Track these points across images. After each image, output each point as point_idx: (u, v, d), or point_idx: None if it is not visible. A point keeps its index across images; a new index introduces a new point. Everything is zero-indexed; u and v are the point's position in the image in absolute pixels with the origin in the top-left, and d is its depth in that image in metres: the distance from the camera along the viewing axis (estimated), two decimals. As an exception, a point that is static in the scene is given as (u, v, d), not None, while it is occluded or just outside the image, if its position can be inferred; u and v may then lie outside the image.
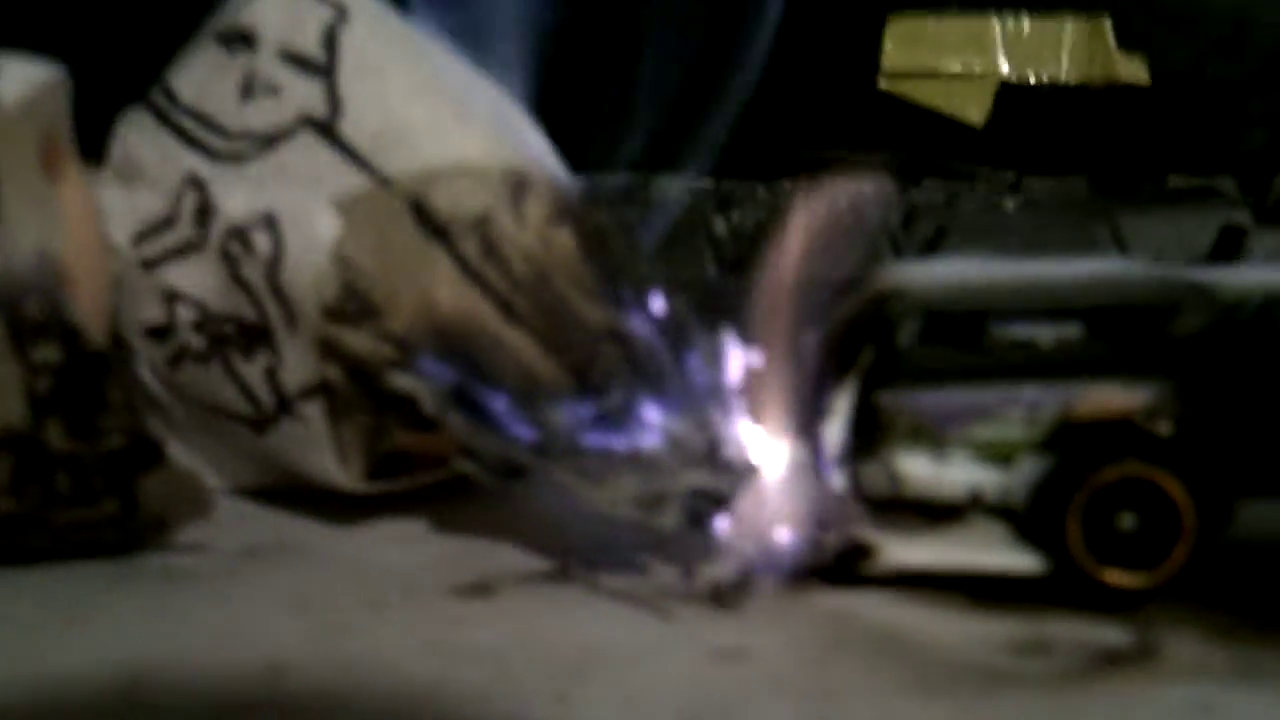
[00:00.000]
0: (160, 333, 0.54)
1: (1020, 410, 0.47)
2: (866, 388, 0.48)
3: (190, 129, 0.54)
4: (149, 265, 0.53)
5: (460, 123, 0.52)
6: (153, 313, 0.53)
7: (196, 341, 0.53)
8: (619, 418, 0.48)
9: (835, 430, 0.48)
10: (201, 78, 0.55)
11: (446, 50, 0.58)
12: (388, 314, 0.51)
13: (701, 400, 0.49)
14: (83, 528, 0.47)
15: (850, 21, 1.01)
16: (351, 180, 0.51)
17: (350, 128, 0.52)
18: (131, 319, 0.54)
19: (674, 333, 0.51)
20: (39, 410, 0.46)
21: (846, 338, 0.50)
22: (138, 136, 0.55)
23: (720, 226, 0.71)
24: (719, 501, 0.46)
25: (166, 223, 0.54)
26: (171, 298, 0.53)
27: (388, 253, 0.51)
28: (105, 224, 0.53)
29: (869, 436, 0.48)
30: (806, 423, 0.49)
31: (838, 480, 0.47)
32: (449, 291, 0.51)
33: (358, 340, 0.51)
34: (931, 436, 0.47)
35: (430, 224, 0.51)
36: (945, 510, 0.47)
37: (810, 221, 0.55)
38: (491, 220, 0.51)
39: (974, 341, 0.49)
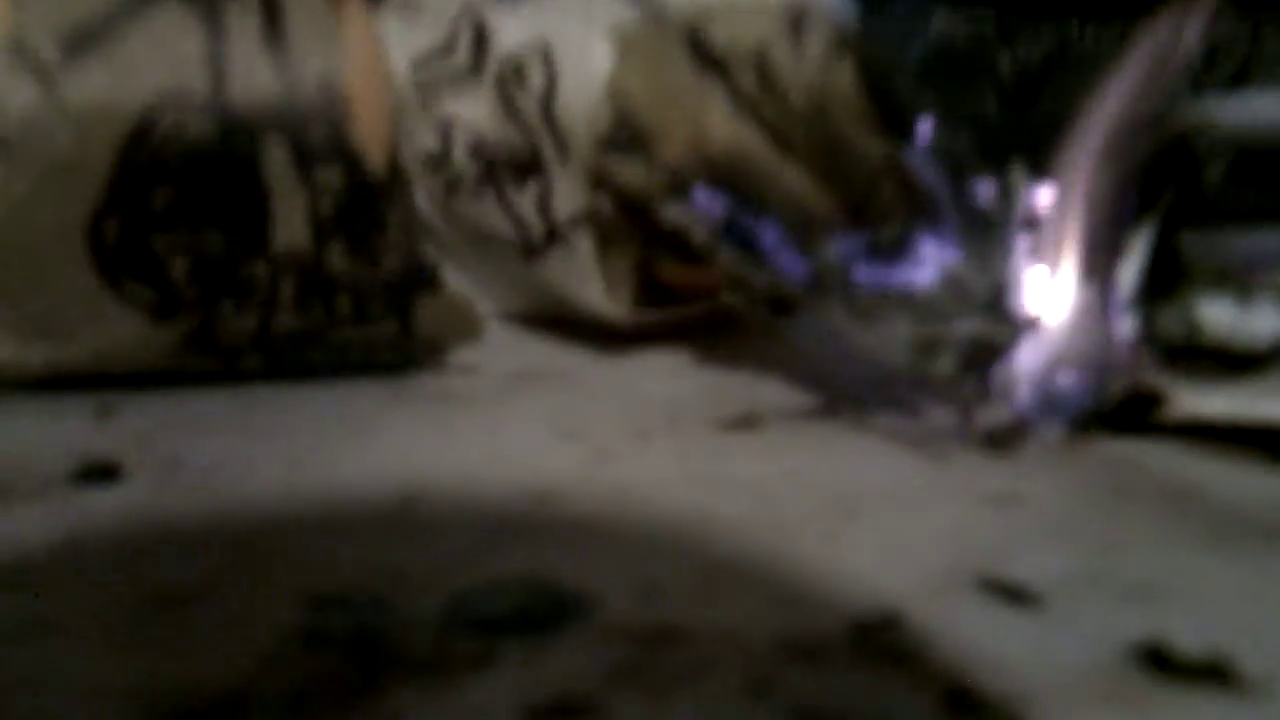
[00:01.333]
0: (437, 160, 0.54)
1: (1337, 257, 0.42)
2: (1168, 228, 0.44)
3: (469, -39, 0.53)
4: (426, 94, 0.53)
5: (739, -48, 0.50)
6: (429, 141, 0.53)
7: (471, 169, 0.53)
8: (895, 253, 0.45)
9: (1130, 272, 0.45)
10: (481, -88, 0.54)
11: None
12: (660, 145, 0.49)
13: (984, 240, 0.46)
14: (361, 346, 0.48)
15: None
16: (627, 13, 0.50)
17: (628, -44, 0.50)
18: (410, 147, 0.54)
19: (955, 170, 0.47)
20: (321, 232, 0.46)
21: (1148, 176, 0.46)
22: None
23: (1005, 63, 0.67)
24: (998, 350, 0.43)
25: (444, 52, 0.53)
26: (447, 126, 0.53)
27: (662, 85, 0.49)
28: (386, 53, 0.53)
29: (1169, 280, 0.44)
30: (1100, 263, 0.46)
31: (1130, 324, 0.44)
32: (723, 124, 0.49)
33: (629, 171, 0.49)
34: (1236, 281, 0.43)
35: (706, 56, 0.49)
36: (1246, 360, 0.43)
37: (1124, 58, 0.51)
38: (768, 53, 0.49)
39: (1282, 181, 0.44)
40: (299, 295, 0.47)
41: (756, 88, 0.49)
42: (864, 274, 0.45)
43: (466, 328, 0.49)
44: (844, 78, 0.49)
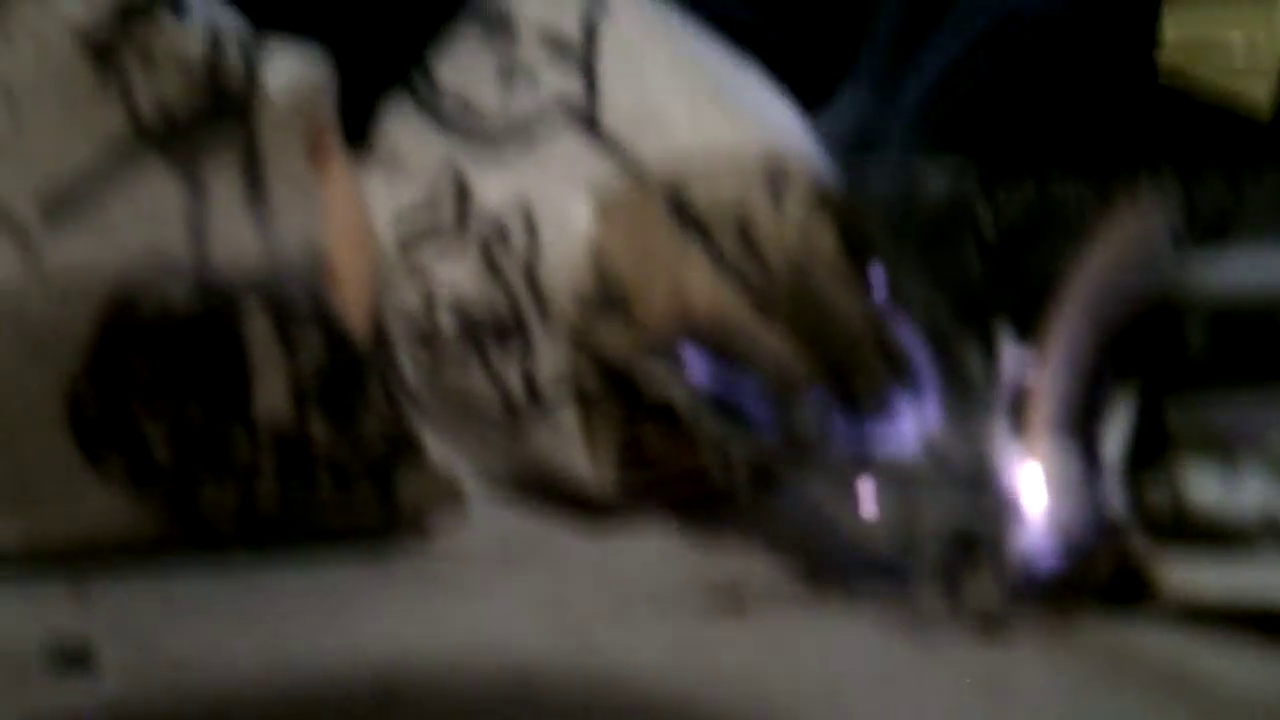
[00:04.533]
0: (420, 321, 0.54)
1: (1323, 423, 0.43)
2: (1151, 395, 0.45)
3: (451, 115, 0.53)
4: (408, 253, 0.53)
5: (718, 109, 0.51)
6: (413, 301, 0.53)
7: (454, 330, 0.53)
8: (874, 415, 0.45)
9: (1115, 441, 0.45)
10: (462, 64, 0.54)
11: (705, 37, 0.56)
12: (641, 309, 0.49)
13: (965, 405, 0.46)
14: (342, 516, 0.47)
15: (1129, 13, 0.96)
16: (607, 168, 0.50)
17: (607, 114, 0.51)
18: (391, 307, 0.54)
19: (935, 332, 0.48)
20: (303, 400, 0.46)
21: (1129, 341, 0.46)
22: (401, 124, 0.55)
23: (987, 221, 0.68)
24: (983, 534, 0.43)
25: (426, 210, 0.54)
26: (430, 287, 0.53)
27: (643, 247, 0.50)
28: (369, 212, 0.53)
29: (1153, 448, 0.44)
30: (1083, 432, 0.46)
31: (1115, 496, 0.44)
32: (704, 286, 0.49)
33: (611, 335, 0.50)
34: (1222, 450, 0.44)
35: (687, 218, 0.50)
36: (1235, 531, 0.43)
37: (1102, 225, 0.52)
38: (749, 214, 0.49)
39: (1270, 346, 0.44)
40: (279, 464, 0.47)
41: (737, 249, 0.49)
42: (842, 436, 0.46)
43: (449, 496, 0.49)
44: (824, 238, 0.49)
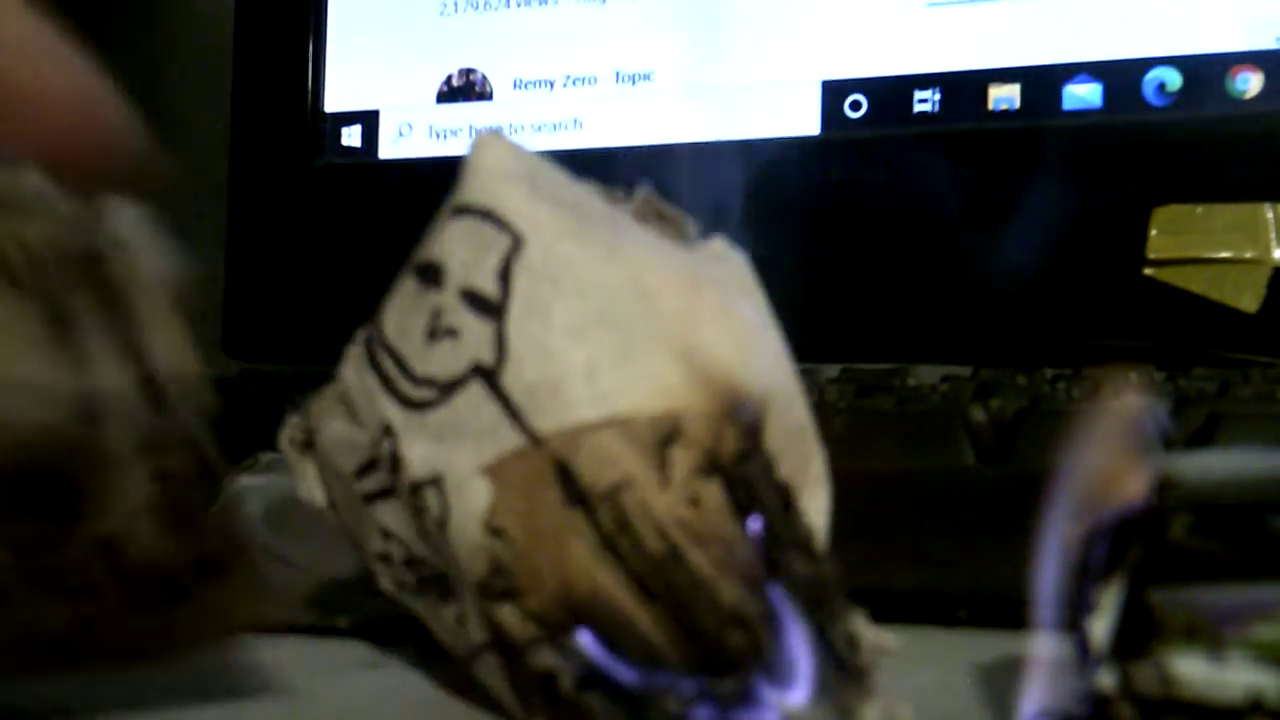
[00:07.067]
0: (385, 560, 0.52)
1: (1305, 610, 0.38)
2: (1137, 584, 0.43)
3: (389, 371, 0.51)
4: (367, 500, 0.52)
5: (620, 364, 0.46)
6: (376, 544, 0.52)
7: (408, 577, 0.51)
8: (738, 699, 0.43)
9: (1103, 627, 0.43)
10: (400, 315, 0.52)
11: (656, 246, 0.53)
12: (531, 591, 0.46)
13: (836, 683, 0.44)
14: (152, 635, 0.48)
15: (1116, 209, 0.97)
16: (508, 438, 0.46)
17: (510, 378, 0.47)
18: (366, 548, 0.53)
19: (816, 602, 0.45)
20: (139, 516, 0.46)
21: (1115, 531, 0.44)
22: (355, 374, 0.52)
23: (979, 415, 0.67)
24: None
25: (372, 465, 0.51)
26: (386, 534, 0.51)
27: (534, 522, 0.46)
28: (337, 455, 0.52)
29: (1140, 635, 0.42)
30: (1073, 619, 0.44)
31: (1105, 680, 0.42)
32: (585, 566, 0.45)
33: (504, 615, 0.46)
34: (1208, 636, 0.41)
35: (572, 491, 0.47)
36: (1223, 714, 0.40)
37: (1089, 420, 0.51)
38: (629, 487, 0.46)
39: (1252, 536, 0.43)
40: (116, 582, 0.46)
41: (615, 527, 0.46)
42: (709, 716, 0.43)
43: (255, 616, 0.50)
44: (713, 499, 0.46)
